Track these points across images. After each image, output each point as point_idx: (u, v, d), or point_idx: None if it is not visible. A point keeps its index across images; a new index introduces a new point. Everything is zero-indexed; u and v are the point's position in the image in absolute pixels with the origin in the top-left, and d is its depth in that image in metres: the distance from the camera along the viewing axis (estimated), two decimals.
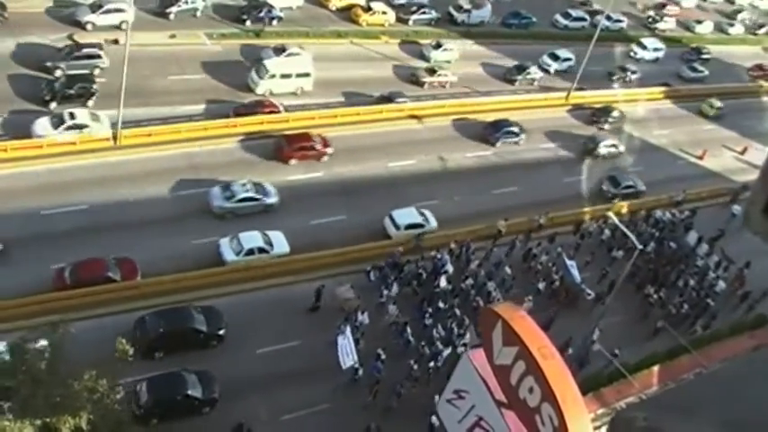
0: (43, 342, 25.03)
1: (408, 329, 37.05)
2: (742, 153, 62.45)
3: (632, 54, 70.79)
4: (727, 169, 60.06)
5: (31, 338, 24.80)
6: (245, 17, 56.58)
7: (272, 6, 57.85)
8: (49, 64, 45.41)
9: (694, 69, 70.55)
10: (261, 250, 38.90)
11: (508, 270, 42.13)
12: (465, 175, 49.90)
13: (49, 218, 37.52)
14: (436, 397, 27.02)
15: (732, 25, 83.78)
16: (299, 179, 45.07)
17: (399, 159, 48.91)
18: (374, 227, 43.37)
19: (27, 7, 50.37)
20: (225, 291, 37.17)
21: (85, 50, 46.65)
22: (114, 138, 42.43)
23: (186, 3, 54.74)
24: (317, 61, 52.84)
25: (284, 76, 50.16)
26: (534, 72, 61.29)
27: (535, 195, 48.99)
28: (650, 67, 69.95)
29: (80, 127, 41.58)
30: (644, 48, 71.32)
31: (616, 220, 41.56)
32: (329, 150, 46.98)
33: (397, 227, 43.18)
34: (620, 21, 74.68)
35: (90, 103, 44.34)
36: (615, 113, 59.99)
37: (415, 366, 35.21)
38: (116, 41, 48.96)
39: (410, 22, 63.91)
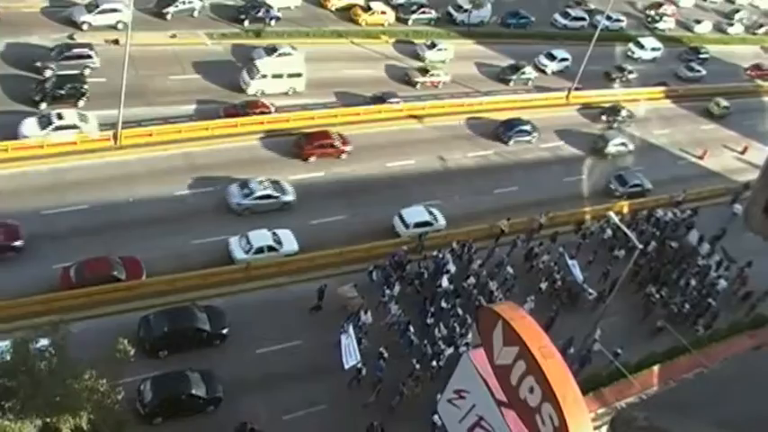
0: (44, 342, 25.03)
1: (411, 329, 37.11)
2: (742, 153, 62.47)
3: (630, 54, 70.73)
4: (727, 169, 60.09)
5: (32, 338, 24.77)
6: (243, 17, 56.46)
7: (270, 6, 57.74)
8: (38, 64, 45.16)
9: (692, 69, 70.50)
10: (270, 248, 39.14)
11: (510, 269, 42.16)
12: (471, 173, 50.03)
13: (50, 218, 37.50)
14: (438, 396, 26.99)
15: (731, 25, 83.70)
16: (305, 178, 45.15)
17: (402, 159, 48.99)
18: (383, 225, 43.50)
19: (24, 7, 50.30)
20: (228, 290, 37.27)
21: (76, 51, 46.42)
22: (115, 138, 42.42)
23: (183, 3, 54.55)
24: (310, 61, 52.70)
25: (276, 77, 49.93)
26: (529, 72, 61.19)
27: (541, 193, 49.10)
28: (648, 66, 69.90)
29: (68, 128, 41.34)
30: (642, 47, 71.25)
31: (616, 219, 41.56)
32: (348, 148, 47.37)
33: (406, 225, 43.35)
34: (619, 20, 74.61)
35: (81, 103, 44.15)
36: (624, 112, 60.34)
37: (418, 366, 35.26)
38: (116, 41, 48.95)
39: (410, 22, 63.87)
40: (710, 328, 43.92)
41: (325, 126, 48.50)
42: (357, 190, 45.60)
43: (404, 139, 50.78)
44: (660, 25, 78.25)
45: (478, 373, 22.87)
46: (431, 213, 44.41)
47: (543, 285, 42.20)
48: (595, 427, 31.53)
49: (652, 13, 79.67)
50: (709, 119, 65.67)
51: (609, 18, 66.92)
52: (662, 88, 66.43)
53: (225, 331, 34.83)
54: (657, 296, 43.93)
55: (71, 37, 48.72)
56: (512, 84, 60.44)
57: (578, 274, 42.86)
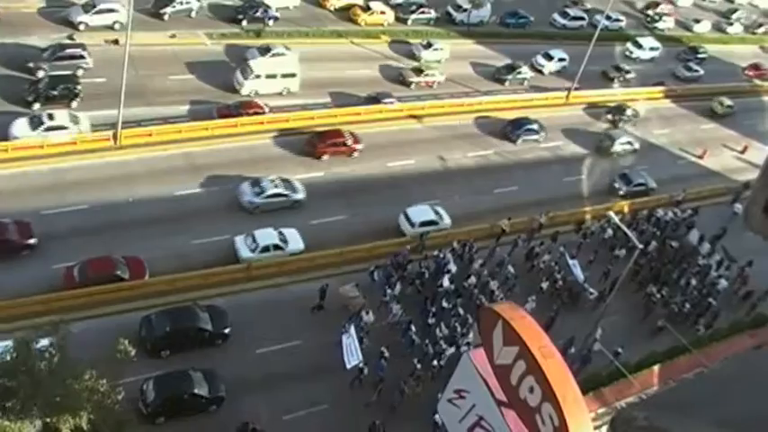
0: (44, 342, 25.03)
1: (413, 328, 37.15)
2: (742, 152, 62.49)
3: (628, 53, 70.68)
4: (727, 168, 60.11)
5: (32, 338, 24.77)
6: (241, 17, 56.36)
7: (268, 6, 57.64)
8: (31, 65, 45.02)
9: (689, 69, 70.47)
10: (276, 247, 39.29)
11: (511, 269, 42.20)
12: (471, 173, 50.10)
13: (50, 218, 37.47)
14: (440, 395, 27.00)
15: (731, 24, 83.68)
16: (304, 178, 45.12)
17: (402, 159, 49.02)
18: (384, 225, 43.59)
19: (23, 7, 50.27)
20: (230, 290, 37.35)
21: (69, 51, 46.29)
22: (114, 138, 42.41)
23: (181, 3, 54.42)
24: (304, 61, 52.59)
25: (269, 77, 49.78)
26: (525, 72, 61.12)
27: (541, 193, 49.15)
28: (647, 66, 69.88)
29: (58, 128, 41.24)
30: (640, 47, 71.20)
31: (616, 219, 41.59)
32: (359, 146, 47.61)
33: (411, 224, 43.47)
34: (618, 20, 74.61)
35: (74, 104, 44.05)
36: (629, 111, 60.57)
37: (419, 366, 35.30)
38: (116, 41, 48.94)
39: (409, 22, 63.85)
40: (711, 328, 43.93)
41: (325, 126, 48.48)
42: (357, 190, 45.60)
43: (404, 138, 50.78)
44: (659, 25, 78.23)
45: (478, 372, 22.87)
46: (436, 212, 44.55)
47: (544, 285, 42.23)
48: (596, 427, 31.53)
49: (650, 12, 79.64)
50: (709, 118, 65.64)
51: (608, 18, 66.92)
52: (659, 88, 66.42)
53: (227, 331, 34.91)
54: (658, 296, 43.95)
55: (71, 37, 48.66)
56: (507, 84, 60.34)
57: (579, 273, 42.91)
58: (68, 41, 47.74)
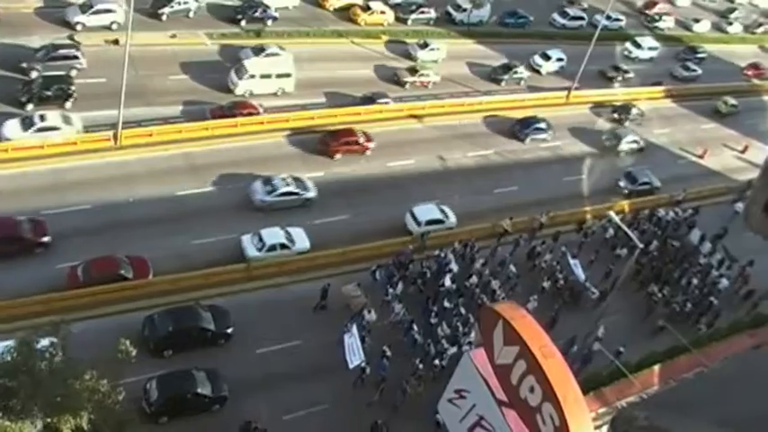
0: (44, 342, 25.05)
1: (415, 327, 37.22)
2: (742, 152, 62.51)
3: (627, 53, 70.64)
4: (727, 168, 60.14)
5: (33, 339, 24.79)
6: (240, 17, 56.30)
7: (267, 6, 57.58)
8: (24, 65, 44.86)
9: (687, 69, 70.46)
10: (282, 246, 39.42)
11: (513, 268, 42.24)
12: (470, 173, 50.14)
13: (50, 218, 37.39)
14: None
15: (730, 24, 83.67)
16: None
17: (402, 158, 49.05)
18: (384, 225, 43.68)
19: (21, 8, 50.21)
20: (232, 289, 37.41)
21: (62, 51, 46.16)
22: (115, 138, 42.42)
23: (179, 3, 54.33)
24: (299, 61, 52.50)
25: (264, 77, 49.66)
26: (521, 71, 61.04)
27: (541, 193, 49.19)
28: (645, 66, 69.82)
29: (50, 129, 41.10)
30: (639, 47, 71.16)
31: (617, 219, 41.61)
32: (372, 145, 47.89)
33: (417, 222, 43.60)
34: (618, 20, 74.59)
35: (68, 104, 43.96)
36: (635, 110, 60.85)
37: (421, 366, 35.34)
38: (116, 41, 48.94)
39: (409, 22, 63.84)
40: (713, 327, 43.97)
41: (325, 126, 48.54)
42: (357, 190, 45.63)
43: (404, 138, 50.77)
44: (660, 24, 78.20)
45: (479, 372, 22.92)
46: (442, 211, 44.69)
47: (546, 284, 42.26)
48: (596, 427, 31.52)
49: (648, 12, 79.50)
50: (710, 118, 65.64)
51: (608, 18, 66.90)
52: (657, 88, 66.36)
53: (229, 331, 34.98)
54: (659, 295, 43.99)
55: (71, 38, 48.72)
56: (503, 84, 60.27)
57: (580, 273, 42.94)
58: (61, 42, 47.58)
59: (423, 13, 64.67)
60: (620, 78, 65.53)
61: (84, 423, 23.98)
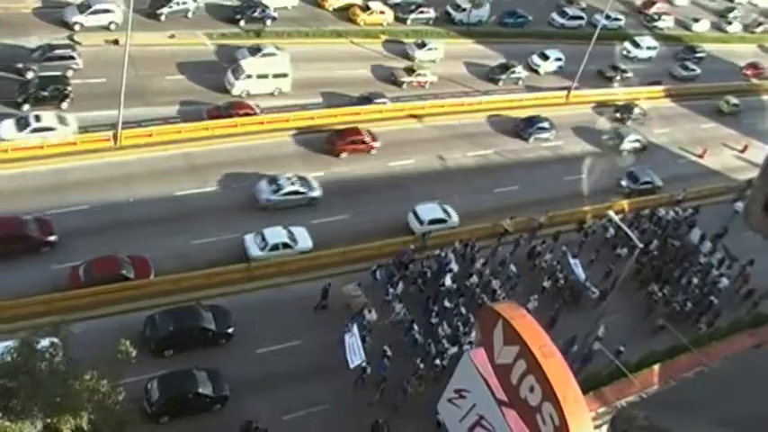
0: (44, 342, 25.07)
1: (415, 327, 37.25)
2: (742, 151, 62.52)
3: (626, 53, 70.61)
4: (727, 167, 60.17)
5: (34, 339, 24.81)
6: (238, 17, 56.25)
7: (266, 6, 57.52)
8: (20, 65, 44.68)
9: (686, 68, 70.47)
10: (285, 246, 39.54)
11: (513, 268, 42.28)
12: (470, 173, 50.17)
13: (51, 218, 37.40)
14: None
15: (730, 23, 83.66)
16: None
17: (402, 158, 49.04)
18: (385, 225, 43.73)
19: (21, 8, 50.16)
20: (233, 289, 37.45)
21: (58, 52, 46.11)
22: (115, 138, 42.43)
23: (177, 3, 54.25)
24: (297, 62, 52.44)
25: (261, 77, 49.56)
26: (519, 71, 61.01)
27: (541, 192, 49.21)
28: (644, 65, 69.78)
29: (45, 129, 41.03)
30: (637, 46, 71.12)
31: (616, 218, 41.62)
32: (377, 144, 48.15)
33: (420, 222, 43.71)
34: (618, 19, 74.57)
35: (64, 105, 43.90)
36: (638, 110, 61.06)
37: (421, 366, 35.37)
38: (116, 42, 48.94)
39: (408, 22, 63.83)
40: (713, 326, 43.99)
41: (325, 126, 48.56)
42: (358, 189, 45.64)
43: (404, 138, 50.78)
44: (659, 24, 78.17)
45: (479, 372, 22.91)
46: (445, 211, 44.78)
47: (546, 284, 42.29)
48: (596, 427, 31.54)
49: (647, 12, 79.43)
50: (709, 117, 65.65)
51: (607, 17, 66.91)
52: (654, 87, 66.32)
53: (230, 330, 35.02)
54: (660, 294, 44.02)
55: (72, 38, 48.72)
56: (501, 83, 60.23)
57: (580, 272, 42.96)
58: (58, 42, 47.50)
59: (422, 12, 64.65)
60: (618, 78, 65.53)
61: (84, 423, 24.00)
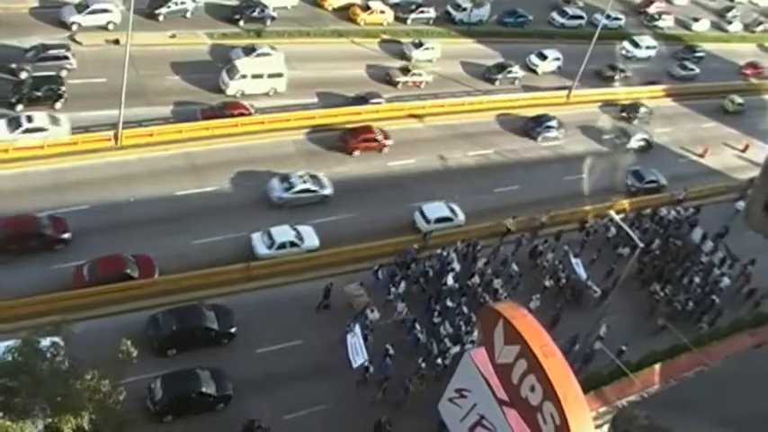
0: (45, 342, 25.09)
1: (417, 326, 37.28)
2: (743, 151, 62.50)
3: (625, 52, 70.51)
4: (728, 167, 60.13)
5: (35, 339, 24.83)
6: (238, 17, 56.16)
7: (265, 6, 57.42)
8: (14, 66, 44.50)
9: (685, 68, 70.37)
10: (292, 244, 39.67)
11: (515, 267, 42.29)
12: (471, 172, 50.23)
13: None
14: None
15: (730, 23, 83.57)
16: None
17: (402, 158, 49.06)
18: (385, 224, 43.73)
19: (21, 8, 50.12)
20: (234, 289, 37.47)
21: (52, 52, 45.94)
22: (115, 138, 42.44)
23: (176, 3, 54.12)
24: (292, 61, 52.35)
25: (255, 77, 49.42)
26: (516, 71, 60.88)
27: (542, 192, 49.20)
28: (643, 65, 69.67)
29: (37, 130, 40.81)
30: (637, 46, 70.99)
31: (617, 218, 41.60)
32: (389, 142, 48.44)
33: (427, 220, 43.82)
34: (618, 19, 74.48)
35: (58, 105, 43.75)
36: (643, 109, 61.26)
37: (423, 365, 35.40)
38: (116, 41, 48.93)
39: (408, 22, 63.79)
40: (714, 326, 43.99)
41: (324, 126, 48.56)
42: (359, 189, 45.61)
43: (404, 138, 50.75)
44: (659, 23, 78.09)
45: (480, 372, 22.93)
46: (451, 210, 44.88)
47: (548, 283, 42.30)
48: (597, 426, 31.54)
49: (646, 11, 79.29)
50: (710, 117, 65.60)
51: (608, 17, 66.86)
52: (654, 87, 66.27)
53: (233, 330, 35.05)
54: (661, 294, 44.02)
55: (71, 38, 48.70)
56: (497, 83, 60.13)
57: (582, 272, 42.96)
58: (52, 42, 47.27)
59: (422, 12, 64.60)
60: (617, 78, 65.50)
61: (85, 423, 24.03)
